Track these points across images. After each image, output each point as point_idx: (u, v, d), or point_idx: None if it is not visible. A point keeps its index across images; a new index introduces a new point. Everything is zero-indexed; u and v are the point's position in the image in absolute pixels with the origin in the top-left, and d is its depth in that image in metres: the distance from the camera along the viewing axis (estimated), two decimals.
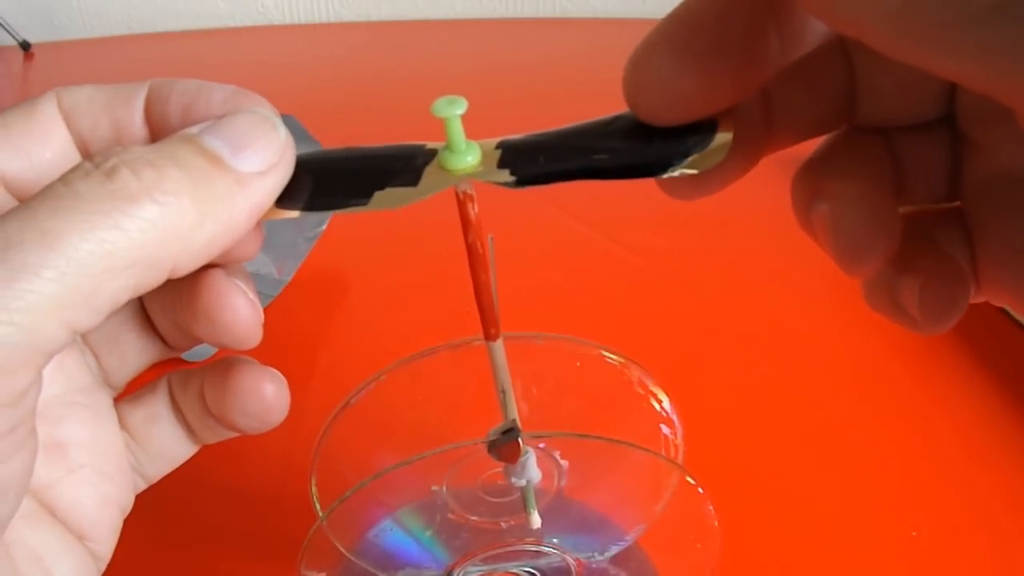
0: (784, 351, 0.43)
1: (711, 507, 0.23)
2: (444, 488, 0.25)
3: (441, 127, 0.17)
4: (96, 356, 0.21)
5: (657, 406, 0.26)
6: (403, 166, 0.18)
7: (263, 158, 0.17)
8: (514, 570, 0.26)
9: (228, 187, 0.16)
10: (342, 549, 0.24)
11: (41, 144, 0.18)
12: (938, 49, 0.12)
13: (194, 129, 0.17)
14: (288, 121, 0.18)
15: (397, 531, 0.25)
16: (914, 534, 0.33)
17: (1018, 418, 0.38)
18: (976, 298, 0.18)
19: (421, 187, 0.17)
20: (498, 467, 0.23)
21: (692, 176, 0.17)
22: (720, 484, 0.23)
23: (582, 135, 0.18)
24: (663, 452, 0.26)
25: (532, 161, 0.17)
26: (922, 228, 0.19)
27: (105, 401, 0.21)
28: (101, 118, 0.18)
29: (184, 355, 0.35)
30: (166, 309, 0.20)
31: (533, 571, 0.26)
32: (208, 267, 0.19)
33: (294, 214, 0.18)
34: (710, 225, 0.52)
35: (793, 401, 0.40)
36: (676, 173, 0.17)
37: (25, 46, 0.81)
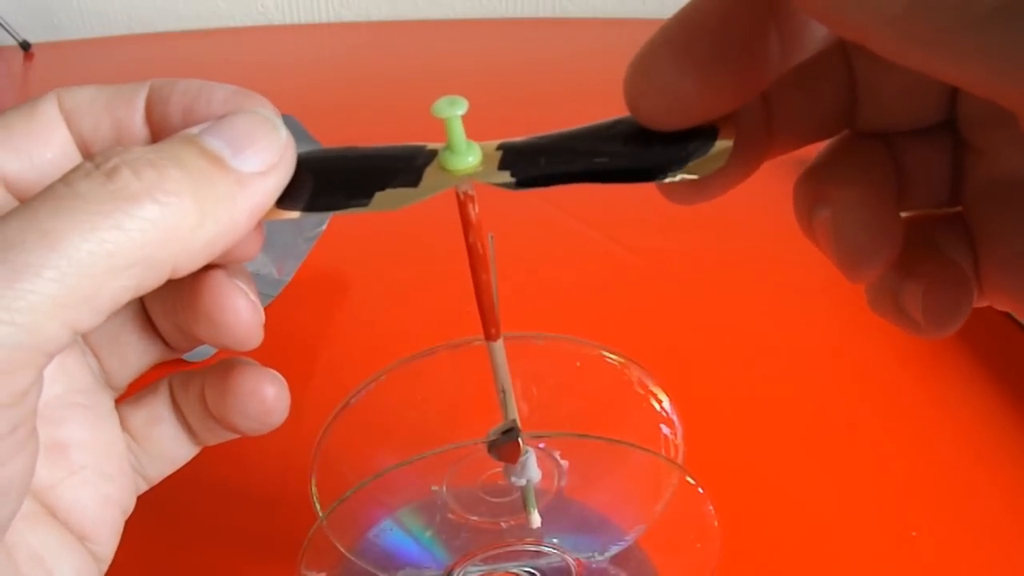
0: (784, 351, 0.43)
1: (711, 507, 0.23)
2: (444, 488, 0.25)
3: (442, 127, 0.17)
4: (97, 357, 0.21)
5: (657, 406, 0.26)
6: (404, 166, 0.18)
7: (264, 158, 0.17)
8: (514, 570, 0.26)
9: (229, 187, 0.16)
10: (342, 549, 0.24)
11: (42, 145, 0.18)
12: (941, 53, 0.12)
13: (195, 129, 0.17)
14: (288, 121, 0.18)
15: (397, 531, 0.25)
16: (914, 534, 0.33)
17: (1018, 418, 0.38)
18: (979, 303, 0.18)
19: (422, 187, 0.17)
20: (498, 467, 0.23)
21: (693, 181, 0.17)
22: (720, 484, 0.23)
23: (583, 138, 0.18)
24: (663, 452, 0.26)
25: (533, 163, 0.17)
26: (925, 233, 0.19)
27: (106, 402, 0.21)
28: (102, 118, 0.18)
29: (185, 356, 0.35)
30: (167, 310, 0.20)
31: (533, 571, 0.26)
32: (209, 268, 0.19)
33: (295, 214, 0.18)
34: (711, 226, 0.52)
35: (793, 401, 0.40)
36: (676, 178, 0.17)
37: (25, 46, 0.81)
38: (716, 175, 0.17)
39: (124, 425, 0.21)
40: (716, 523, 0.23)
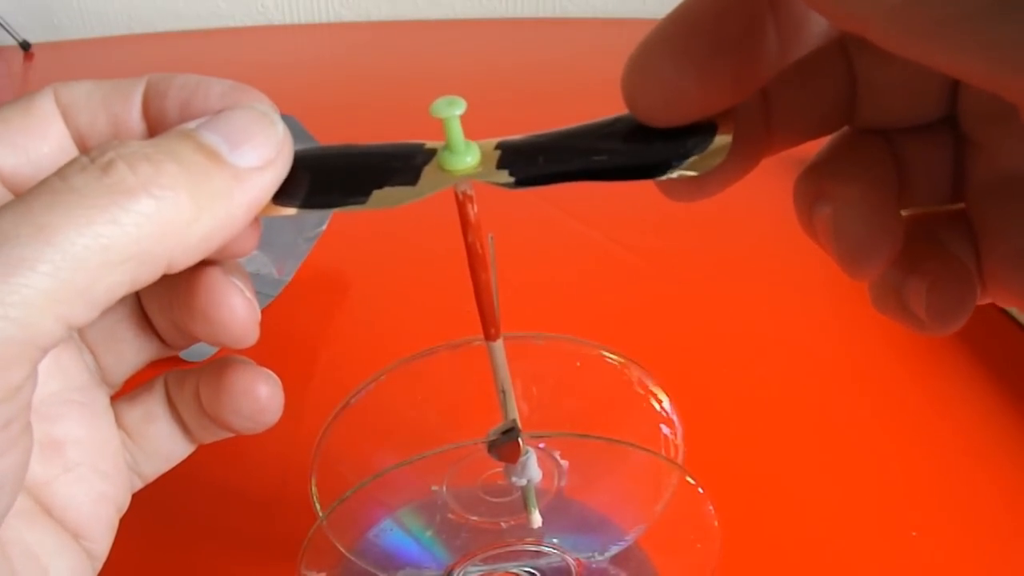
0: (784, 351, 0.43)
1: (711, 507, 0.23)
2: (444, 488, 0.25)
3: (440, 127, 0.17)
4: (94, 354, 0.21)
5: (657, 406, 0.26)
6: (402, 165, 0.18)
7: (261, 154, 0.17)
8: (514, 570, 0.26)
9: (225, 182, 0.16)
10: (342, 549, 0.24)
11: (39, 139, 0.18)
12: (941, 44, 0.12)
13: (192, 124, 0.17)
14: (288, 121, 0.18)
15: (397, 531, 0.25)
16: (914, 534, 0.33)
17: (1018, 418, 0.38)
18: (982, 299, 0.18)
19: (420, 187, 0.17)
20: (498, 467, 0.23)
21: (691, 178, 0.17)
22: (720, 484, 0.23)
23: (582, 136, 0.18)
24: (663, 452, 0.26)
25: (531, 162, 0.17)
26: (927, 230, 0.19)
27: (102, 399, 0.21)
28: (99, 113, 0.18)
29: (183, 355, 0.35)
30: (163, 307, 0.20)
31: (533, 571, 0.26)
32: (205, 265, 0.19)
33: (291, 211, 0.17)
34: (710, 225, 0.52)
35: (793, 401, 0.39)
36: (675, 175, 0.17)
37: (25, 46, 0.81)
38: (715, 171, 0.17)
39: (119, 422, 0.21)
40: (716, 523, 0.23)
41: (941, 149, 0.19)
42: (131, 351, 0.21)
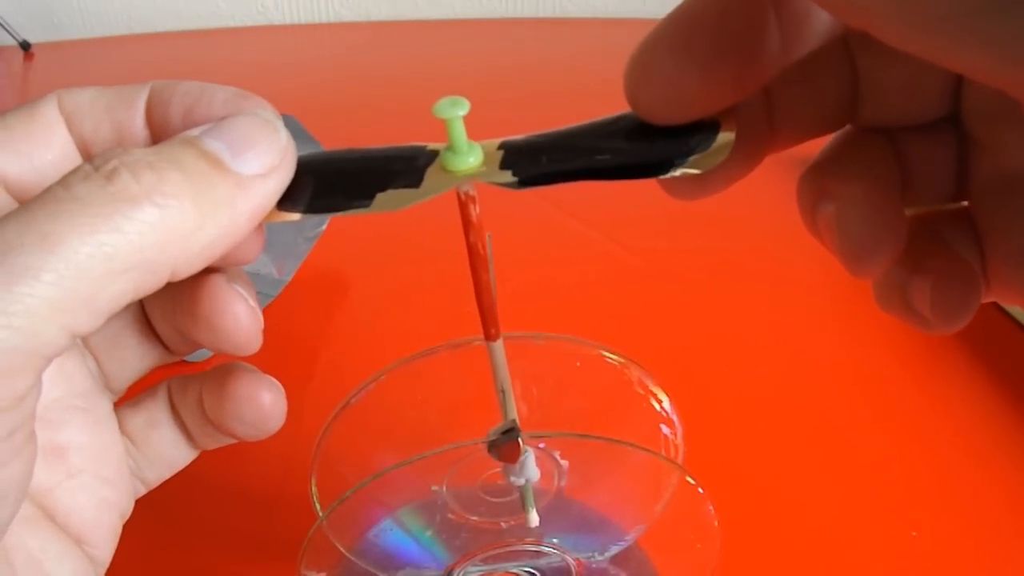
0: (784, 351, 0.43)
1: (711, 507, 0.23)
2: (444, 488, 0.25)
3: (442, 127, 0.17)
4: (97, 360, 0.21)
5: (657, 406, 0.26)
6: (405, 167, 0.18)
7: (264, 161, 0.17)
8: (514, 570, 0.26)
9: (228, 190, 0.16)
10: (342, 549, 0.24)
11: (42, 147, 0.18)
12: (944, 39, 0.12)
13: (195, 131, 0.17)
14: (288, 121, 0.18)
15: (397, 531, 0.25)
16: (914, 534, 0.33)
17: (1018, 418, 0.38)
18: (986, 298, 0.18)
19: (423, 188, 0.17)
20: (498, 467, 0.23)
21: (694, 176, 0.17)
22: (720, 484, 0.23)
23: (584, 135, 0.18)
24: (663, 452, 0.26)
25: (534, 162, 0.17)
26: (931, 229, 0.19)
27: (105, 406, 0.21)
28: (103, 120, 0.18)
29: (187, 356, 0.35)
30: (167, 314, 0.20)
31: (533, 571, 0.26)
32: (209, 272, 0.19)
33: (295, 216, 0.17)
34: (711, 226, 0.52)
35: (793, 401, 0.40)
36: (678, 173, 0.17)
37: (25, 46, 0.81)
38: (718, 170, 0.17)
39: (123, 428, 0.21)
40: (716, 523, 0.23)
41: (944, 148, 0.19)
42: (134, 357, 0.21)
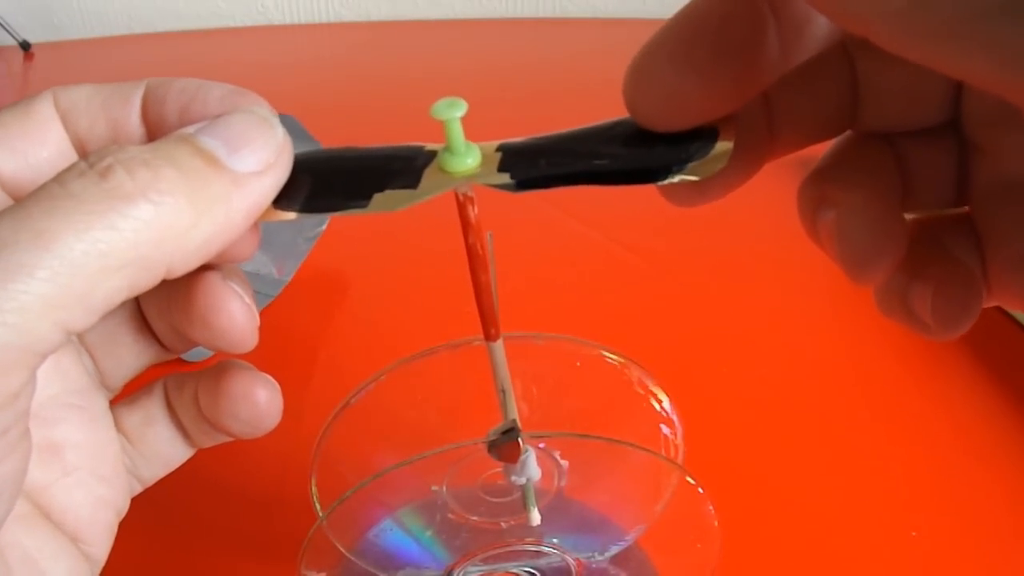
0: (784, 351, 0.43)
1: (711, 507, 0.23)
2: (444, 488, 0.25)
3: (441, 128, 0.17)
4: (93, 358, 0.21)
5: (657, 406, 0.26)
6: (402, 167, 0.18)
7: (260, 158, 0.17)
8: (514, 570, 0.26)
9: (224, 187, 0.16)
10: (342, 549, 0.24)
11: (38, 144, 0.18)
12: (946, 46, 0.12)
13: (191, 128, 0.17)
14: (288, 121, 0.18)
15: (397, 531, 0.25)
16: (914, 534, 0.33)
17: (1018, 418, 0.38)
18: (987, 303, 0.18)
19: (421, 189, 0.17)
20: (498, 467, 0.23)
21: (693, 183, 0.17)
22: (720, 484, 0.23)
23: (583, 140, 0.18)
24: (663, 452, 0.26)
25: (532, 164, 0.17)
26: (932, 234, 0.19)
27: (101, 403, 0.21)
28: (98, 118, 0.18)
29: (185, 356, 0.35)
30: (162, 311, 0.20)
31: (533, 571, 0.26)
32: (204, 270, 0.19)
33: (291, 215, 0.17)
34: (711, 226, 0.52)
35: (793, 401, 0.39)
36: (676, 180, 0.17)
37: (25, 46, 0.81)
38: (717, 177, 0.17)
39: (119, 426, 0.21)
40: (716, 523, 0.23)
41: (945, 153, 0.19)
42: (130, 355, 0.21)
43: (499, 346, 0.21)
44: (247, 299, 0.19)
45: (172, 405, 0.21)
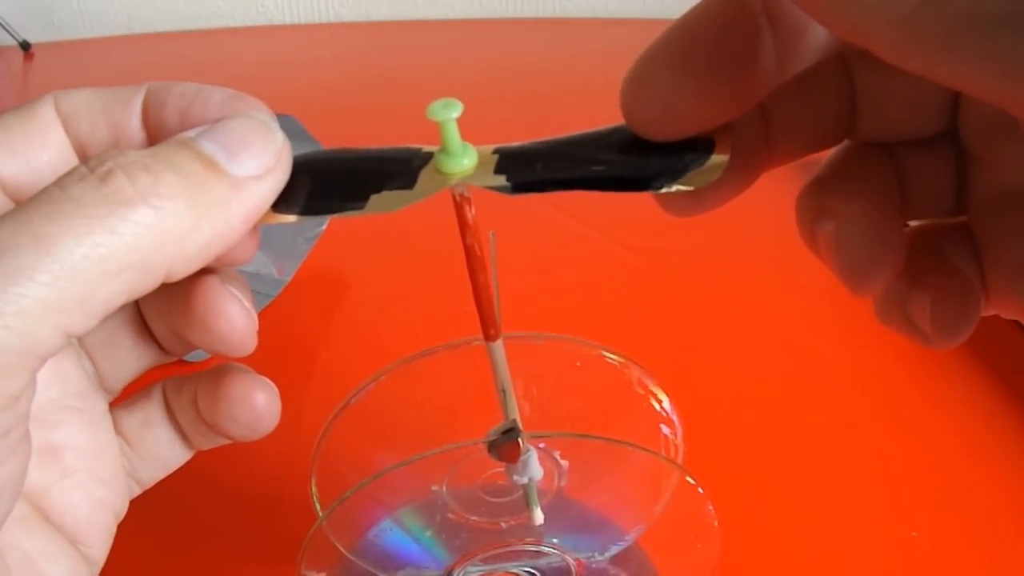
0: (784, 351, 0.43)
1: (711, 507, 0.23)
2: (444, 488, 0.25)
3: (437, 130, 0.17)
4: (93, 360, 0.21)
5: (657, 406, 0.26)
6: (399, 169, 0.18)
7: (259, 162, 0.17)
8: (514, 570, 0.26)
9: (223, 191, 0.16)
10: (342, 549, 0.24)
11: (39, 148, 0.18)
12: (946, 57, 0.12)
13: (190, 133, 0.17)
14: (288, 121, 0.18)
15: (397, 531, 0.25)
16: (914, 534, 0.33)
17: (1018, 418, 0.38)
18: (986, 311, 0.18)
19: (417, 190, 0.17)
20: (498, 467, 0.23)
21: (689, 192, 0.17)
22: (720, 484, 0.23)
23: (580, 145, 0.18)
24: (663, 452, 0.26)
25: (529, 168, 0.17)
26: (930, 243, 0.19)
27: (100, 406, 0.21)
28: (99, 121, 0.18)
29: (185, 356, 0.35)
30: (162, 315, 0.20)
31: (533, 571, 0.26)
32: (203, 273, 0.19)
33: (291, 218, 0.17)
34: (710, 226, 0.52)
35: (793, 401, 0.39)
36: (672, 189, 0.17)
37: (25, 46, 0.81)
38: (713, 187, 0.17)
39: (118, 428, 0.21)
40: (716, 523, 0.23)
41: (942, 163, 0.19)
42: (130, 358, 0.21)
43: (499, 346, 0.21)
44: (246, 303, 0.19)
45: (171, 408, 0.21)
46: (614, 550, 0.26)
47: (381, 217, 0.17)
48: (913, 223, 0.19)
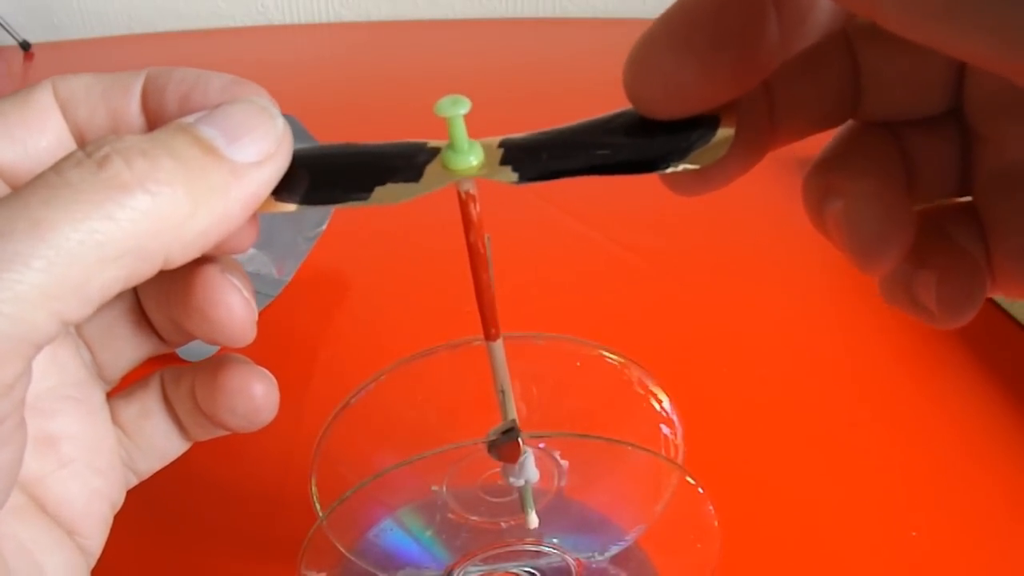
0: (784, 351, 0.43)
1: (711, 507, 0.23)
2: (444, 488, 0.25)
3: (442, 127, 0.17)
4: (91, 350, 0.21)
5: (657, 406, 0.26)
6: (404, 163, 0.18)
7: (259, 148, 0.17)
8: (514, 570, 0.26)
9: (222, 177, 0.16)
10: (342, 549, 0.24)
11: (37, 133, 0.18)
12: (952, 26, 0.12)
13: (190, 118, 0.17)
14: (288, 121, 0.18)
15: (397, 531, 0.25)
16: (914, 534, 0.33)
17: (1018, 418, 0.38)
18: (992, 291, 0.18)
19: (422, 184, 0.17)
20: (498, 467, 0.23)
21: (695, 171, 0.17)
22: (720, 484, 0.23)
23: (584, 132, 0.18)
24: (663, 452, 0.26)
25: (535, 158, 0.17)
26: (936, 223, 0.19)
27: (98, 396, 0.21)
28: (98, 107, 0.18)
29: (181, 354, 0.35)
30: (161, 303, 0.20)
31: (533, 571, 0.26)
32: (202, 262, 0.18)
33: (291, 207, 0.17)
34: (710, 225, 0.52)
35: (793, 401, 0.39)
36: (679, 168, 0.17)
37: (25, 46, 0.81)
38: (719, 165, 0.17)
39: (115, 419, 0.21)
40: (716, 523, 0.23)
41: (947, 142, 0.19)
42: (128, 347, 0.21)
43: (499, 346, 0.21)
44: (246, 292, 0.19)
45: (169, 398, 0.21)
46: (614, 550, 0.26)
47: (382, 216, 0.17)
48: (918, 204, 0.19)
